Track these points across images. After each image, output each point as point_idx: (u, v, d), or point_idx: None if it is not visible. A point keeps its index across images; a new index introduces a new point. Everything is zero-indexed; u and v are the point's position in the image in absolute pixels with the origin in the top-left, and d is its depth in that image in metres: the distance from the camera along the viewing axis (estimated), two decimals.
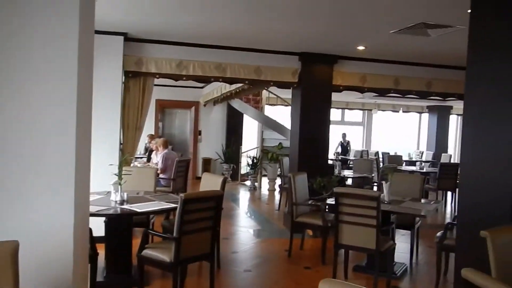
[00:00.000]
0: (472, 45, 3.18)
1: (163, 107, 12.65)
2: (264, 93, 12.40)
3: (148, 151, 9.41)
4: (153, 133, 11.00)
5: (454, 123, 15.60)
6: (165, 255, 3.55)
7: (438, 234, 4.47)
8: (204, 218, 3.63)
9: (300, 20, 4.88)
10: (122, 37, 5.72)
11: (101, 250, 4.15)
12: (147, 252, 3.71)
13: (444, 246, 4.33)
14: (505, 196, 2.85)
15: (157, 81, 6.48)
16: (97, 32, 5.36)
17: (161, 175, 7.24)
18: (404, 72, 7.06)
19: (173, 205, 3.90)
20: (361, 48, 6.12)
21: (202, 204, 3.58)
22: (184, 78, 6.30)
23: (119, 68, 5.75)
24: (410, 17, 4.50)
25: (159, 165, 7.31)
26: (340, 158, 12.06)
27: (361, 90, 7.08)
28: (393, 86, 7.03)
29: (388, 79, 7.01)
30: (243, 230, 6.95)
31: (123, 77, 5.90)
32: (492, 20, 3.07)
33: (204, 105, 12.48)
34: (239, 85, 8.03)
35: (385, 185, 4.91)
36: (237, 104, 11.73)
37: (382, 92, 7.22)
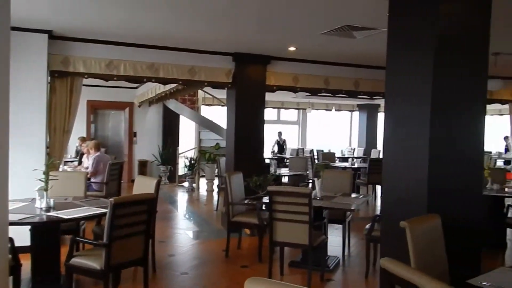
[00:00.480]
0: (390, 47, 3.38)
1: (95, 108, 12.16)
2: (200, 93, 12.32)
3: (79, 154, 9.01)
4: (85, 135, 10.54)
5: (382, 120, 16.45)
6: (95, 263, 3.42)
7: (367, 226, 4.69)
8: (136, 222, 3.54)
9: (228, 21, 4.92)
10: (46, 35, 5.43)
11: (27, 260, 3.92)
12: (75, 260, 3.55)
13: (372, 238, 4.56)
14: (422, 190, 3.07)
15: (88, 81, 6.22)
16: (17, 29, 5.10)
17: (92, 179, 6.96)
18: (334, 72, 7.34)
19: (103, 210, 3.76)
20: (292, 49, 6.27)
21: (134, 208, 3.50)
22: (115, 79, 6.10)
23: (44, 67, 5.44)
24: (336, 20, 4.69)
25: (90, 169, 7.02)
26: (276, 157, 12.28)
27: (294, 90, 7.27)
28: (323, 86, 7.29)
29: (319, 79, 7.25)
30: (181, 232, 6.86)
31: (48, 77, 5.60)
32: (407, 22, 3.28)
33: (139, 106, 12.16)
34: (174, 85, 7.93)
35: (317, 182, 5.07)
36: (173, 104, 11.55)
37: (313, 92, 7.46)
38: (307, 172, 9.10)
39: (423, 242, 2.66)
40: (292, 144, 15.03)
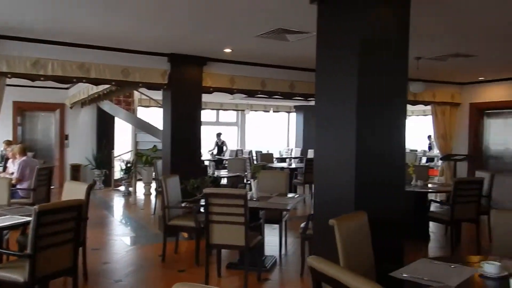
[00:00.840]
0: (319, 50, 3.50)
1: (23, 109, 11.42)
2: (136, 94, 11.99)
3: (4, 159, 8.42)
4: (10, 139, 9.87)
5: None
6: (18, 275, 3.21)
7: (302, 225, 4.81)
8: (63, 230, 3.37)
9: (162, 21, 4.83)
10: None
11: None
12: None
13: (307, 236, 4.68)
14: (350, 188, 3.20)
15: (14, 81, 5.83)
16: None
17: (18, 186, 6.54)
18: (270, 74, 7.45)
19: (27, 219, 3.55)
20: (228, 50, 6.29)
21: (60, 216, 3.32)
22: (42, 79, 5.78)
23: None
24: (270, 23, 4.76)
25: (15, 175, 6.59)
26: (216, 158, 12.24)
27: (230, 91, 7.29)
28: (260, 87, 7.38)
29: (256, 81, 7.33)
30: (116, 238, 6.63)
31: None
32: (334, 26, 3.41)
33: (71, 108, 11.59)
34: (107, 86, 7.66)
35: (253, 183, 5.12)
36: (107, 106, 11.14)
37: (250, 93, 7.53)
38: (246, 173, 9.16)
39: (351, 239, 2.78)
40: (231, 145, 15.07)
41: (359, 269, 2.79)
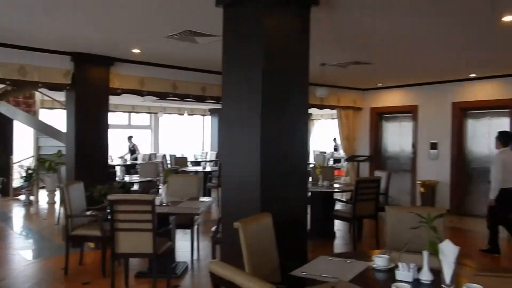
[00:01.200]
0: (225, 54, 3.53)
1: None
2: (38, 95, 11.13)
3: None
4: None
5: None
6: None
7: (213, 228, 4.80)
8: None
9: (62, 16, 4.53)
10: None
11: None
12: None
13: (217, 240, 4.67)
14: (255, 189, 3.26)
15: None
16: None
17: None
18: (182, 76, 7.37)
19: None
20: (136, 51, 6.10)
21: None
22: None
23: None
24: (178, 24, 4.70)
25: None
26: (129, 163, 11.81)
27: (140, 93, 7.07)
28: (171, 90, 7.25)
29: (167, 83, 7.20)
30: (15, 253, 6.07)
31: None
32: (238, 31, 3.46)
33: None
34: (1, 86, 7.02)
35: (163, 188, 5.01)
36: (3, 108, 10.18)
37: (161, 96, 7.36)
38: (158, 178, 8.93)
39: (256, 241, 2.82)
40: (145, 149, 14.62)
41: (265, 269, 2.85)
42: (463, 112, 8.72)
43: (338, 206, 6.78)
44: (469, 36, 5.17)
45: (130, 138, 13.18)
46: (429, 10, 4.12)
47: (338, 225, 7.18)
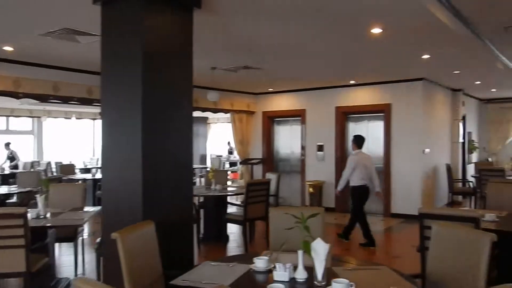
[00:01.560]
0: (104, 57, 3.35)
1: None
2: None
3: None
4: None
5: None
6: None
7: (98, 240, 4.51)
8: None
9: None
10: None
11: None
12: None
13: (102, 252, 4.39)
14: (137, 196, 3.13)
15: None
16: None
17: None
18: (65, 78, 6.86)
19: None
20: (9, 48, 5.53)
21: None
22: None
23: None
24: (55, 22, 4.36)
25: None
26: (7, 172, 10.68)
27: (15, 95, 6.42)
28: (52, 92, 6.72)
29: (47, 84, 6.65)
30: None
31: None
32: (117, 31, 3.31)
33: None
34: None
35: (39, 198, 4.59)
36: None
37: (41, 98, 6.77)
38: (40, 187, 8.17)
39: (137, 252, 2.70)
40: (26, 156, 13.32)
41: (147, 280, 2.74)
42: (345, 115, 9.42)
43: (232, 209, 6.83)
44: (344, 46, 5.59)
45: (7, 145, 11.93)
46: (308, 19, 4.35)
47: (232, 228, 7.24)
